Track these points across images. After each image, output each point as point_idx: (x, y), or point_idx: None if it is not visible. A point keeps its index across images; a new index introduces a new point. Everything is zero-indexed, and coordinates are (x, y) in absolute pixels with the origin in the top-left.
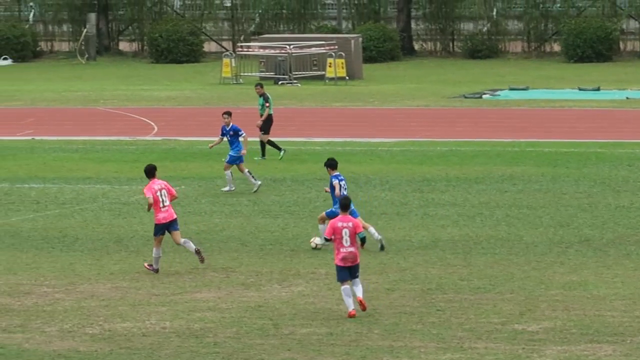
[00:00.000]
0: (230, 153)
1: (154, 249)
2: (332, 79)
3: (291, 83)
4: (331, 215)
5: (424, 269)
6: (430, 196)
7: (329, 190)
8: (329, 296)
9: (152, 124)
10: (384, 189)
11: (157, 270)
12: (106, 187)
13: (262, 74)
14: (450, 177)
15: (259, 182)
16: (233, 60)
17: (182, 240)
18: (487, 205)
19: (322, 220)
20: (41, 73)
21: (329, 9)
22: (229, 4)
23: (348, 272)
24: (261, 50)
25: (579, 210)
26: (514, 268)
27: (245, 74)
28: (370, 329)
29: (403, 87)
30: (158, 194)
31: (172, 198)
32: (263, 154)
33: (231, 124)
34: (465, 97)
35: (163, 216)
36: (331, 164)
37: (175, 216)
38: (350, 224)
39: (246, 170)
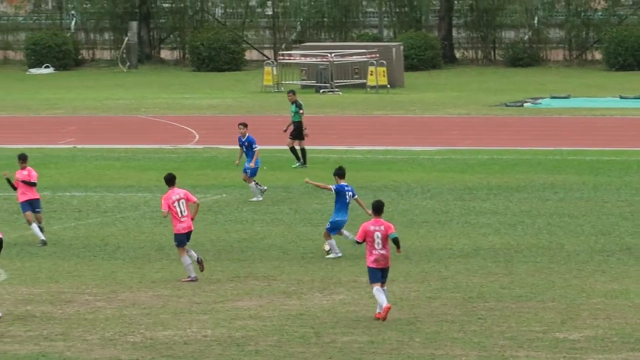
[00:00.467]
0: (253, 166)
1: (182, 259)
2: (373, 87)
3: (332, 91)
4: (334, 226)
5: (466, 277)
6: (471, 204)
7: (332, 189)
8: (371, 304)
9: (194, 132)
10: (426, 197)
11: (196, 278)
12: (148, 195)
13: (304, 82)
14: (492, 186)
15: (261, 199)
16: (274, 68)
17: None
18: (529, 213)
19: (329, 237)
20: (83, 81)
21: (370, 17)
22: (270, 13)
23: (380, 274)
24: (302, 58)
25: (621, 218)
26: (556, 276)
27: (287, 82)
28: (411, 337)
29: (444, 95)
30: (175, 204)
31: (195, 205)
32: (304, 162)
33: (247, 134)
34: (507, 106)
35: (182, 226)
36: (339, 173)
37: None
38: (382, 227)
39: (253, 182)
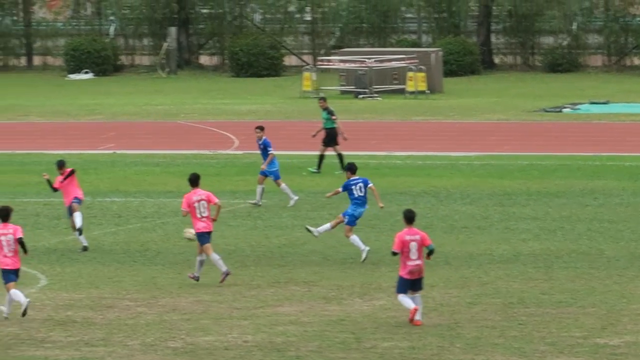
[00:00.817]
0: (271, 169)
1: (210, 257)
2: (412, 92)
3: (371, 97)
4: (351, 219)
5: (506, 283)
6: (511, 210)
7: (340, 190)
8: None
9: (233, 137)
10: (465, 202)
11: (227, 273)
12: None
13: (342, 88)
14: (531, 191)
15: (260, 203)
16: (313, 74)
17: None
18: (568, 219)
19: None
20: (122, 87)
21: (408, 22)
22: (309, 18)
23: (410, 285)
24: (341, 64)
25: None
26: (596, 282)
27: (326, 87)
28: (452, 342)
29: (483, 101)
30: (196, 205)
31: (217, 207)
32: (342, 166)
33: (263, 137)
34: (546, 111)
35: (202, 225)
36: (350, 168)
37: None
38: (417, 237)
39: (263, 186)
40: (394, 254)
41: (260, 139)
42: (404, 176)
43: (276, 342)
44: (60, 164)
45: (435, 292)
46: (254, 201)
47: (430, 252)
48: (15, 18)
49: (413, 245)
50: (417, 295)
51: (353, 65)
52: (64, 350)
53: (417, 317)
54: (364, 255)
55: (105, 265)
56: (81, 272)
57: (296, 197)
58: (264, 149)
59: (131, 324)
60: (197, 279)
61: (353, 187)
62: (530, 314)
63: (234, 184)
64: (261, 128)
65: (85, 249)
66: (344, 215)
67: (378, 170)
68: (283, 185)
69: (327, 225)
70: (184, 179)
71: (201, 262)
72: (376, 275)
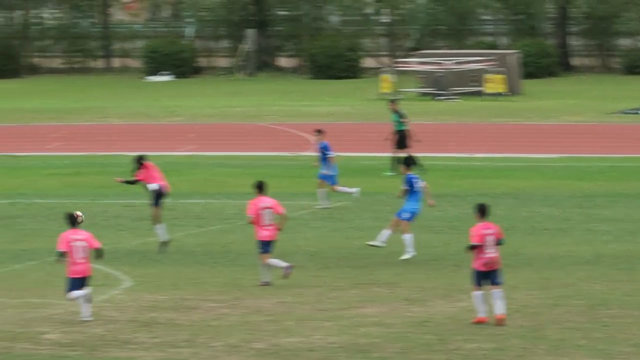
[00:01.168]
0: (328, 174)
1: (268, 262)
2: (491, 94)
3: (449, 98)
4: (411, 215)
5: (588, 285)
6: (591, 211)
7: (408, 187)
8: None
9: (313, 139)
10: (546, 204)
11: (290, 266)
12: None
13: (420, 90)
14: (612, 193)
15: (328, 204)
16: (392, 75)
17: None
18: None
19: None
20: (201, 89)
21: (485, 24)
22: (386, 20)
23: (486, 277)
24: (420, 66)
25: None
26: None
27: (404, 89)
28: (535, 344)
29: (562, 103)
30: (261, 212)
31: (282, 218)
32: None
33: (322, 141)
34: (625, 113)
35: (265, 234)
36: (407, 163)
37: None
38: (494, 230)
39: (325, 190)
40: (473, 247)
41: (318, 142)
42: (484, 178)
43: (360, 344)
44: (140, 159)
45: (517, 294)
46: (322, 206)
47: (501, 244)
48: (93, 20)
49: (490, 239)
50: (499, 290)
51: (431, 67)
52: (148, 352)
53: (500, 312)
54: (406, 256)
55: (187, 266)
56: (163, 273)
57: (355, 190)
58: (323, 152)
59: (215, 325)
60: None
61: (414, 182)
62: (614, 315)
63: (314, 186)
64: (319, 131)
65: (164, 245)
66: (401, 213)
67: (457, 172)
68: (339, 188)
69: (387, 231)
70: (265, 180)
71: (269, 266)
72: (458, 277)
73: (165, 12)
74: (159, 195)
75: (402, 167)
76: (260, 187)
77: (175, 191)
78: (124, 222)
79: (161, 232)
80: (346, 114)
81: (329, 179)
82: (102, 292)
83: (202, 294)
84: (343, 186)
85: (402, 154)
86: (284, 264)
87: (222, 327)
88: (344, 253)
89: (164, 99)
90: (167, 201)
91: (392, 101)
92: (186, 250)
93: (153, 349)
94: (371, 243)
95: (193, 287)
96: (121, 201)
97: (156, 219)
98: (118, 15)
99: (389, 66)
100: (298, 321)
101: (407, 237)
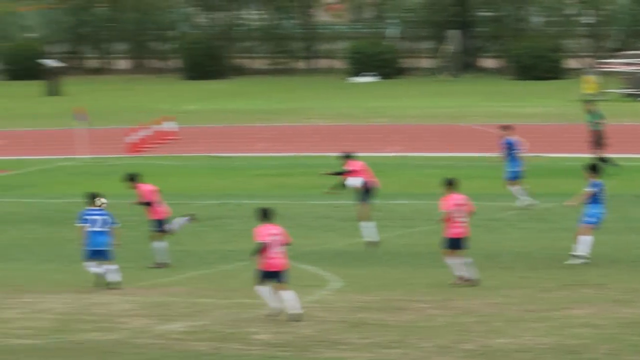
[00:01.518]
0: (512, 169)
1: (453, 260)
2: None
3: None
4: (598, 220)
5: None
6: None
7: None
8: None
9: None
10: None
11: (465, 279)
12: (475, 203)
13: (625, 91)
14: None
15: (529, 201)
16: (595, 77)
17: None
18: None
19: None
20: (405, 89)
21: None
22: (589, 21)
23: None
24: (624, 66)
25: None
26: None
27: (607, 90)
28: None
29: None
30: (454, 208)
31: (470, 214)
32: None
33: (507, 137)
34: None
35: (457, 231)
36: (593, 168)
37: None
38: None
39: (519, 187)
40: None
41: (503, 138)
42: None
43: (569, 345)
44: (347, 156)
45: None
46: (524, 204)
47: None
48: (295, 21)
49: None
50: None
51: (635, 67)
52: (359, 352)
53: None
54: (575, 261)
55: (395, 267)
56: (371, 274)
57: (528, 201)
58: (509, 148)
59: (424, 326)
60: (470, 281)
61: (600, 188)
62: None
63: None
64: (506, 127)
65: (372, 244)
66: (587, 218)
67: None
68: (515, 187)
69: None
70: (471, 181)
71: (464, 265)
72: None
73: (368, 13)
74: (365, 191)
75: (588, 172)
76: (450, 184)
77: (381, 192)
78: (332, 223)
79: (370, 231)
80: (550, 115)
81: (510, 176)
82: (310, 292)
83: (410, 294)
84: (525, 189)
85: (602, 154)
86: (460, 272)
87: (432, 328)
88: (550, 254)
89: (369, 100)
90: (373, 202)
91: (589, 102)
92: (392, 251)
93: (363, 350)
94: (574, 255)
95: (401, 288)
96: (330, 202)
97: (364, 216)
98: (321, 16)
99: (592, 67)
100: (507, 322)
101: (588, 239)
